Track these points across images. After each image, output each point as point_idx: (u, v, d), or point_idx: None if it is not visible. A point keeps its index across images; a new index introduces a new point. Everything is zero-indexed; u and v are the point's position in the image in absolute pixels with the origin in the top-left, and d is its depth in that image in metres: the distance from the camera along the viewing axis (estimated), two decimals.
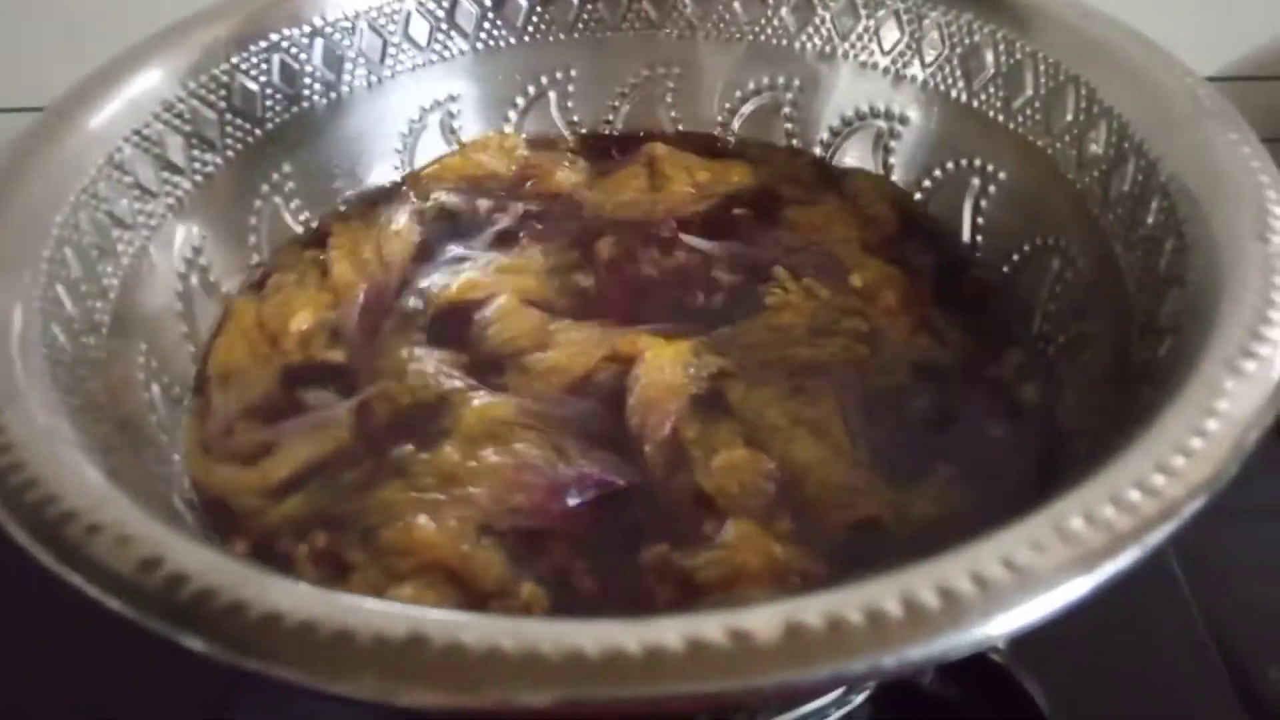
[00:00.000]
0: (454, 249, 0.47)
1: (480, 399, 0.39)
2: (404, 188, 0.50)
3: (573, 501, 0.36)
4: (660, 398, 0.39)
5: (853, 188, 0.50)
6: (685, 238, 0.47)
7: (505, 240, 0.47)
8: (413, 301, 0.44)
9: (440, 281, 0.45)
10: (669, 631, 0.22)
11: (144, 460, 0.34)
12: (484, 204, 0.49)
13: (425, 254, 0.47)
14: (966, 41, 0.46)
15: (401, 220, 0.48)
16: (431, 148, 0.52)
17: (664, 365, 0.40)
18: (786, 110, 0.52)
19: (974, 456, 0.37)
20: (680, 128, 0.53)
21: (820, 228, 0.47)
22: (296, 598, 0.23)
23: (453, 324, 0.43)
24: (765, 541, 0.34)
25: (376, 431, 0.38)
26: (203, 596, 0.23)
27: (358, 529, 0.35)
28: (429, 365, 0.40)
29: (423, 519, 0.34)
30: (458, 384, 0.40)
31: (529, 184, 0.50)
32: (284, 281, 0.44)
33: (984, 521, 0.24)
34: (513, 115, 0.53)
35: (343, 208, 0.48)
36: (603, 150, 0.53)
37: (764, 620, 0.22)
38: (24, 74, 0.61)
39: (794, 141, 0.52)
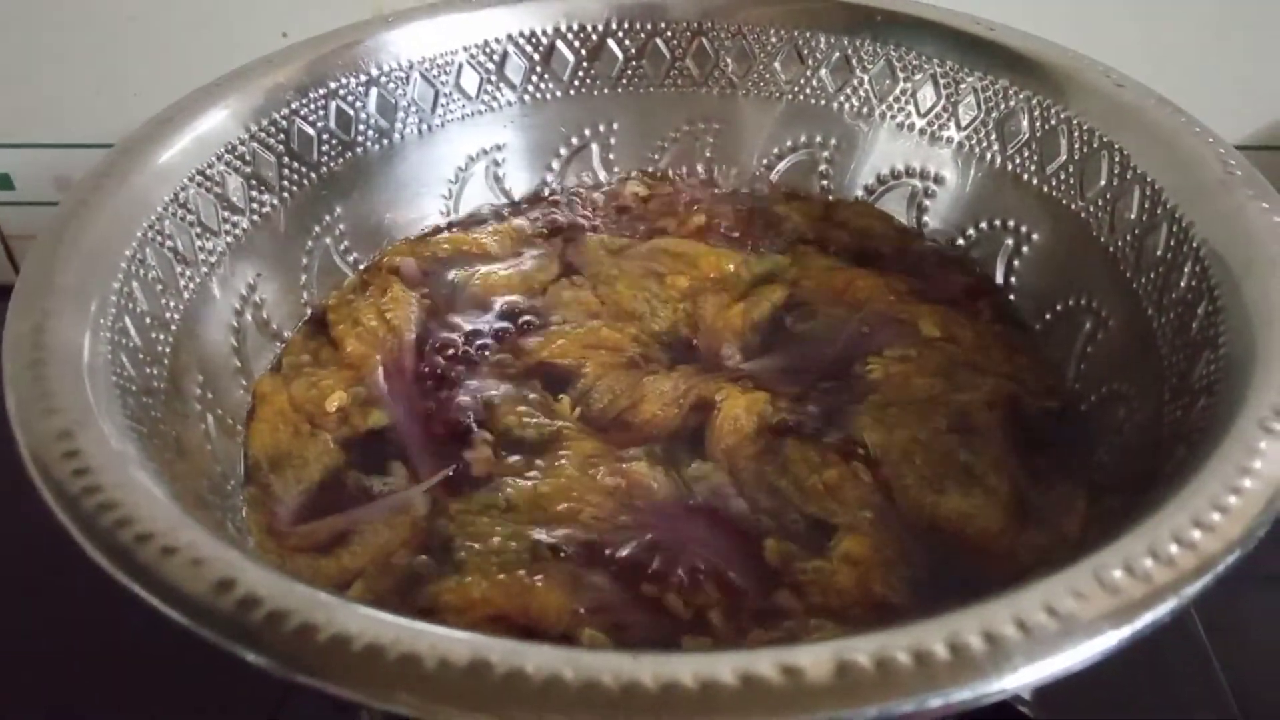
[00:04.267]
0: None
1: (585, 440, 0.40)
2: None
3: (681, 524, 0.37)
4: (738, 444, 0.40)
5: (841, 215, 0.52)
6: (742, 367, 0.44)
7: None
8: (498, 356, 0.45)
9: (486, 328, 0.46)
10: (723, 666, 0.23)
11: (200, 488, 0.35)
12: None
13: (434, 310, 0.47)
14: (1002, 106, 0.48)
15: (397, 288, 0.47)
16: (477, 195, 0.53)
17: (739, 414, 0.41)
18: (823, 167, 0.53)
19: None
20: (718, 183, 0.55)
21: (842, 289, 0.48)
22: (364, 621, 0.24)
23: (549, 378, 0.44)
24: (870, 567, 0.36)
25: (452, 499, 0.39)
26: (274, 619, 0.24)
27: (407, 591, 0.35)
28: (539, 411, 0.42)
29: (471, 578, 0.35)
30: (567, 425, 0.41)
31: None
32: (299, 362, 0.45)
33: None
34: (556, 165, 0.55)
35: (362, 267, 0.49)
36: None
37: (815, 657, 0.23)
38: (99, 112, 0.62)
39: (830, 197, 0.53)
